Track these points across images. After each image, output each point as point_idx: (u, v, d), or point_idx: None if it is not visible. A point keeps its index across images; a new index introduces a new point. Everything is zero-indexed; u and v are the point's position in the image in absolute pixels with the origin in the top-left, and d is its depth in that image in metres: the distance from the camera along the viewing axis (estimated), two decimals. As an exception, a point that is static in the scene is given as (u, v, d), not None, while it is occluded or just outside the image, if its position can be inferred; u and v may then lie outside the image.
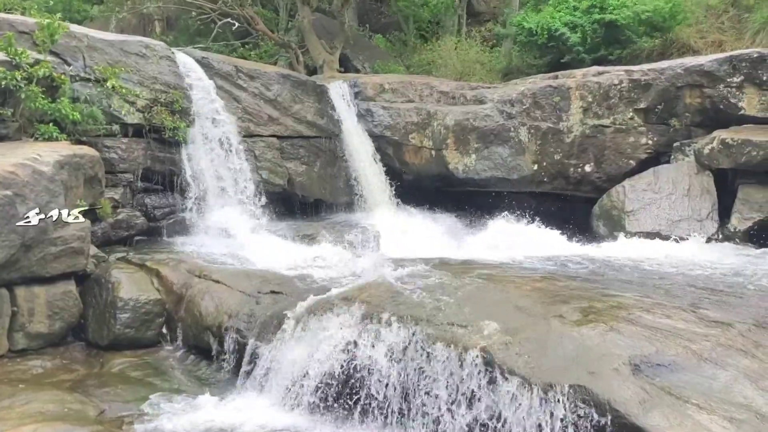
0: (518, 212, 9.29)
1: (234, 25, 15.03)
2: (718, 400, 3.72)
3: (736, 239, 8.22)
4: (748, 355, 4.15)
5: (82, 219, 6.37)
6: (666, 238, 8.37)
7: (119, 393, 5.39)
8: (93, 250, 6.65)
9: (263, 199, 8.86)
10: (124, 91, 7.72)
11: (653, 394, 3.79)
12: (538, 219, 9.10)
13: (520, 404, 4.13)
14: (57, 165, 6.17)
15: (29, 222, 5.83)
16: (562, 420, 3.94)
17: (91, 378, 5.65)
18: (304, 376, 5.27)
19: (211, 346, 6.10)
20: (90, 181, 6.79)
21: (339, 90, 10.58)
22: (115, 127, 7.69)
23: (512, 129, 10.10)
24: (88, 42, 7.84)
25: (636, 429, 3.64)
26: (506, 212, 9.34)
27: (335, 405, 5.07)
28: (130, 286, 6.39)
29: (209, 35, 15.66)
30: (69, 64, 7.55)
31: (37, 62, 7.01)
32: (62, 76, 7.22)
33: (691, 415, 3.61)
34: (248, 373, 5.64)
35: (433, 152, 10.42)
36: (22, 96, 6.77)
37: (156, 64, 8.34)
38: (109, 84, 7.58)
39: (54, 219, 6.07)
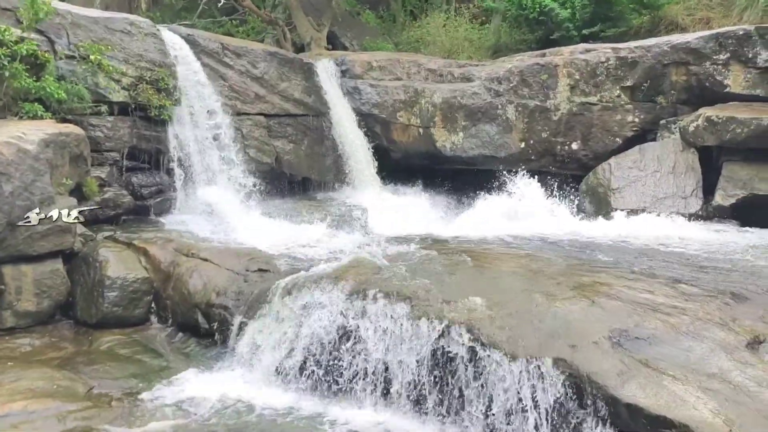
0: (505, 190, 9.35)
1: (220, 1, 14.87)
2: (694, 372, 3.82)
3: (720, 216, 8.31)
4: (725, 327, 4.25)
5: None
6: (651, 215, 8.45)
7: (108, 370, 5.45)
8: (80, 228, 6.64)
9: (251, 178, 8.86)
10: (109, 69, 7.67)
11: (631, 366, 3.89)
12: (525, 197, 9.17)
13: (502, 377, 4.22)
14: (42, 143, 6.16)
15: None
16: (543, 392, 4.04)
17: (79, 356, 5.70)
18: (291, 352, 5.35)
19: (199, 324, 6.15)
20: (76, 160, 6.77)
21: (326, 68, 10.53)
22: (101, 106, 7.63)
23: (500, 107, 10.11)
24: (72, 19, 7.76)
25: (613, 400, 3.74)
26: (492, 190, 9.39)
27: (322, 380, 5.16)
28: (118, 265, 6.41)
29: (195, 11, 15.50)
30: (53, 42, 7.48)
31: (21, 40, 6.94)
32: (46, 54, 7.16)
33: (667, 386, 3.71)
34: (236, 350, 5.70)
35: (421, 130, 10.43)
36: (6, 74, 6.71)
37: (141, 42, 8.27)
38: (94, 61, 7.52)
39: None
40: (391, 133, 10.54)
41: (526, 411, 4.08)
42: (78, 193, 6.93)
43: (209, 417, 4.86)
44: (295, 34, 14.44)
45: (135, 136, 7.92)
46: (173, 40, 8.73)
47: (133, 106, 7.91)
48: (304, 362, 5.23)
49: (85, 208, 6.70)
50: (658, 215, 8.37)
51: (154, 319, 6.45)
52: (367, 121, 10.48)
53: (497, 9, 13.68)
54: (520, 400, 4.10)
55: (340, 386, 5.05)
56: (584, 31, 12.03)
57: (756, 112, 8.39)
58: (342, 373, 5.04)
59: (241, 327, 5.73)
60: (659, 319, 4.35)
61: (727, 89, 9.01)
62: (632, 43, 10.01)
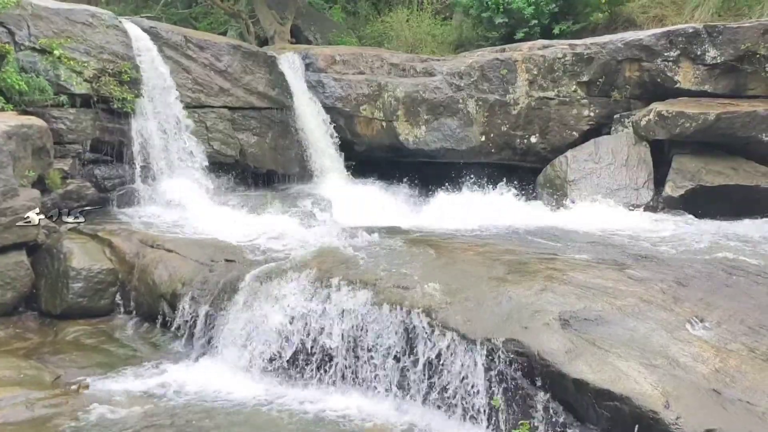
0: (466, 182, 9.60)
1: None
2: (637, 349, 4.09)
3: (670, 206, 8.64)
4: (667, 309, 4.53)
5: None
6: (605, 205, 8.77)
7: (74, 359, 5.51)
8: (44, 220, 6.66)
9: (215, 170, 8.91)
10: (71, 62, 7.65)
11: (579, 345, 4.14)
12: (485, 188, 9.43)
13: (458, 358, 4.44)
14: (5, 135, 6.15)
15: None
16: (497, 370, 4.26)
17: (45, 346, 5.75)
18: (257, 340, 5.47)
19: (165, 314, 6.23)
20: (38, 152, 6.77)
21: (290, 61, 10.59)
22: (63, 98, 7.61)
23: (461, 101, 10.33)
24: (33, 10, 7.71)
25: (561, 376, 3.99)
26: (454, 182, 9.62)
27: (287, 367, 5.30)
28: (83, 256, 6.44)
29: (158, 2, 15.38)
30: (13, 33, 7.44)
31: (-20, 31, 6.90)
32: (7, 46, 7.13)
33: (612, 363, 3.97)
34: (203, 339, 5.81)
35: (384, 124, 10.59)
36: (-34, 65, 6.68)
37: (103, 34, 8.25)
38: (55, 53, 7.50)
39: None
40: (355, 126, 10.67)
41: (482, 389, 4.30)
42: (41, 185, 6.92)
43: (176, 405, 4.95)
44: (259, 28, 14.44)
45: (98, 129, 7.92)
46: (135, 32, 8.71)
47: (96, 99, 7.90)
48: (271, 349, 5.36)
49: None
50: (612, 206, 8.69)
51: (119, 309, 6.51)
52: (331, 114, 10.58)
53: (459, 2, 13.84)
54: (476, 378, 4.32)
55: (307, 372, 5.20)
56: (546, 25, 12.29)
57: (704, 107, 8.77)
58: (309, 359, 5.20)
59: (208, 316, 5.83)
60: (607, 302, 4.61)
61: (678, 85, 9.37)
62: (588, 40, 10.32)
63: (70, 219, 6.33)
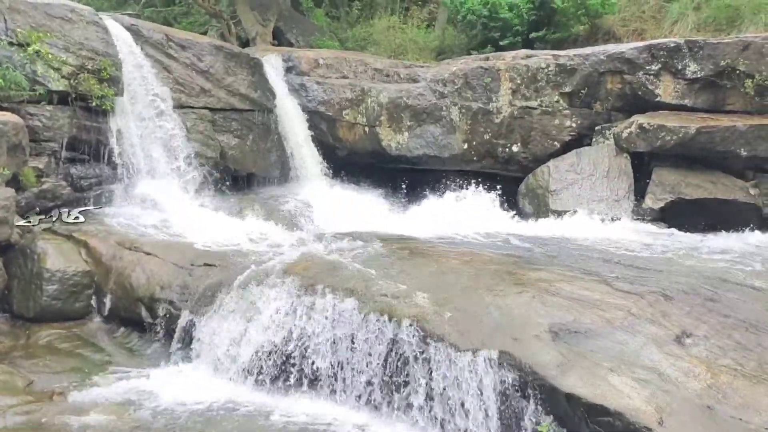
0: (448, 189, 9.56)
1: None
2: (628, 363, 4.07)
3: (650, 218, 8.71)
4: (656, 323, 4.52)
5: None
6: (586, 216, 8.80)
7: (48, 364, 5.34)
8: (17, 220, 6.45)
9: (194, 172, 8.74)
10: (49, 57, 7.44)
11: (570, 358, 4.10)
12: (467, 196, 9.40)
13: (449, 369, 4.37)
14: (-22, 131, 5.95)
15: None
16: (488, 383, 4.20)
17: (17, 350, 5.56)
18: (238, 347, 5.36)
19: (142, 318, 6.08)
20: (13, 149, 6.56)
21: (273, 64, 10.49)
22: (39, 92, 7.39)
23: (444, 108, 10.32)
24: (10, 3, 7.48)
25: (553, 389, 3.95)
26: (436, 189, 9.59)
27: (269, 375, 5.18)
28: (58, 257, 6.26)
29: (138, 1, 15.15)
30: (-11, 26, 7.22)
31: (-46, 23, 6.67)
32: (-18, 39, 6.91)
33: (603, 377, 3.94)
34: (181, 345, 5.68)
35: (367, 129, 10.52)
36: (-61, 58, 6.45)
37: (83, 30, 8.05)
38: (32, 49, 7.29)
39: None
40: (337, 130, 10.59)
41: (472, 401, 4.24)
42: (15, 183, 6.70)
43: (153, 412, 4.82)
44: (240, 29, 14.29)
45: (75, 127, 7.70)
46: (116, 29, 8.53)
47: (74, 96, 7.69)
48: (252, 356, 5.24)
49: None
50: (593, 217, 8.73)
51: (95, 313, 6.34)
52: (313, 118, 10.51)
53: (445, 3, 13.79)
54: (466, 391, 4.26)
55: (289, 380, 5.10)
56: (530, 35, 12.38)
57: (684, 120, 8.86)
58: (291, 366, 5.09)
59: (187, 321, 5.70)
60: (596, 314, 4.59)
61: (659, 98, 9.45)
62: (571, 51, 10.37)
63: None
